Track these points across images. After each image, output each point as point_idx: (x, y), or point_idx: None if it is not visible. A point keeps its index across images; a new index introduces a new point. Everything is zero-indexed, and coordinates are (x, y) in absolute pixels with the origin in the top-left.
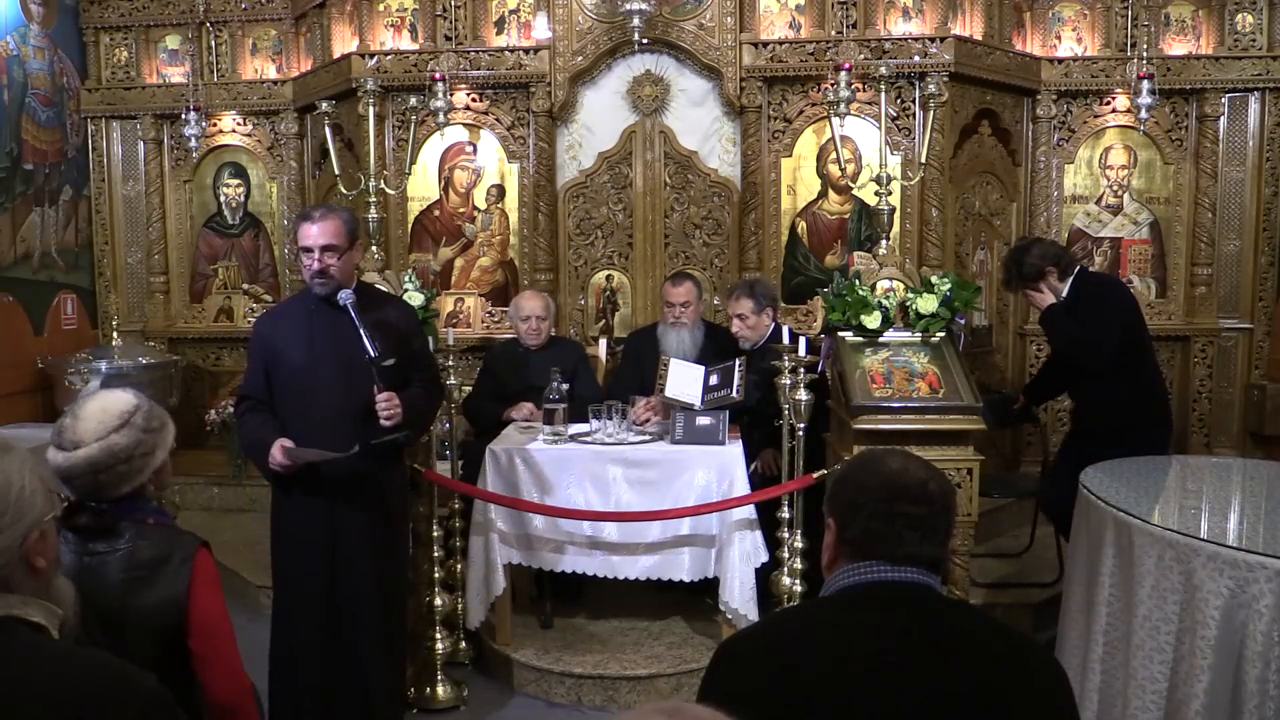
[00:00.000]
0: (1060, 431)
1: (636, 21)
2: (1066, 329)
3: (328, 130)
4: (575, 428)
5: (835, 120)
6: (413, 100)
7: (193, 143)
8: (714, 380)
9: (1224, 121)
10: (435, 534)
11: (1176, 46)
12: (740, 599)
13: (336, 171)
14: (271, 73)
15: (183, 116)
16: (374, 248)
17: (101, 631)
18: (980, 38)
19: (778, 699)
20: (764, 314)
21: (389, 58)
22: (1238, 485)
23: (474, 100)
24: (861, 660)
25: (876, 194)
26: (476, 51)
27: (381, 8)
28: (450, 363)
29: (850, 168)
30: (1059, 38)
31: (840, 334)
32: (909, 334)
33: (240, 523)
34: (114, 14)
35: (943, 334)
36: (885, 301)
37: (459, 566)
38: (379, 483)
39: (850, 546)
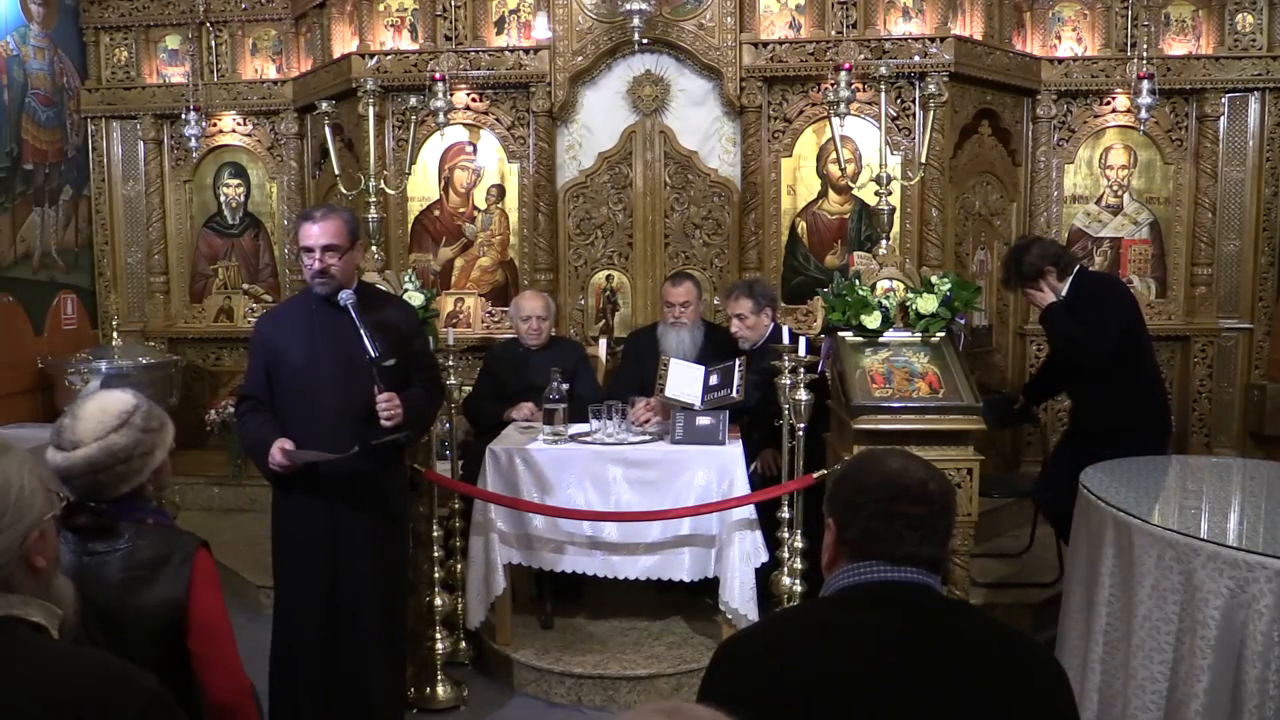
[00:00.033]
0: (1060, 431)
1: (636, 21)
2: (1066, 328)
3: (328, 130)
4: (575, 428)
5: (835, 120)
6: (413, 100)
7: (193, 143)
8: (714, 380)
9: (1224, 121)
10: (435, 534)
11: (1176, 46)
12: (740, 599)
13: (336, 171)
14: (271, 73)
15: (183, 116)
16: (374, 248)
17: (101, 631)
18: (980, 38)
19: (778, 699)
20: (763, 314)
21: (389, 58)
22: (1238, 485)
23: (474, 100)
24: (861, 660)
25: (876, 194)
26: (476, 51)
27: (381, 8)
28: (450, 363)
29: (850, 168)
30: (1059, 38)
31: (840, 334)
32: (909, 334)
33: (240, 523)
34: (114, 14)
35: (943, 334)
36: (885, 301)
37: (459, 566)
38: (379, 483)
39: (850, 546)
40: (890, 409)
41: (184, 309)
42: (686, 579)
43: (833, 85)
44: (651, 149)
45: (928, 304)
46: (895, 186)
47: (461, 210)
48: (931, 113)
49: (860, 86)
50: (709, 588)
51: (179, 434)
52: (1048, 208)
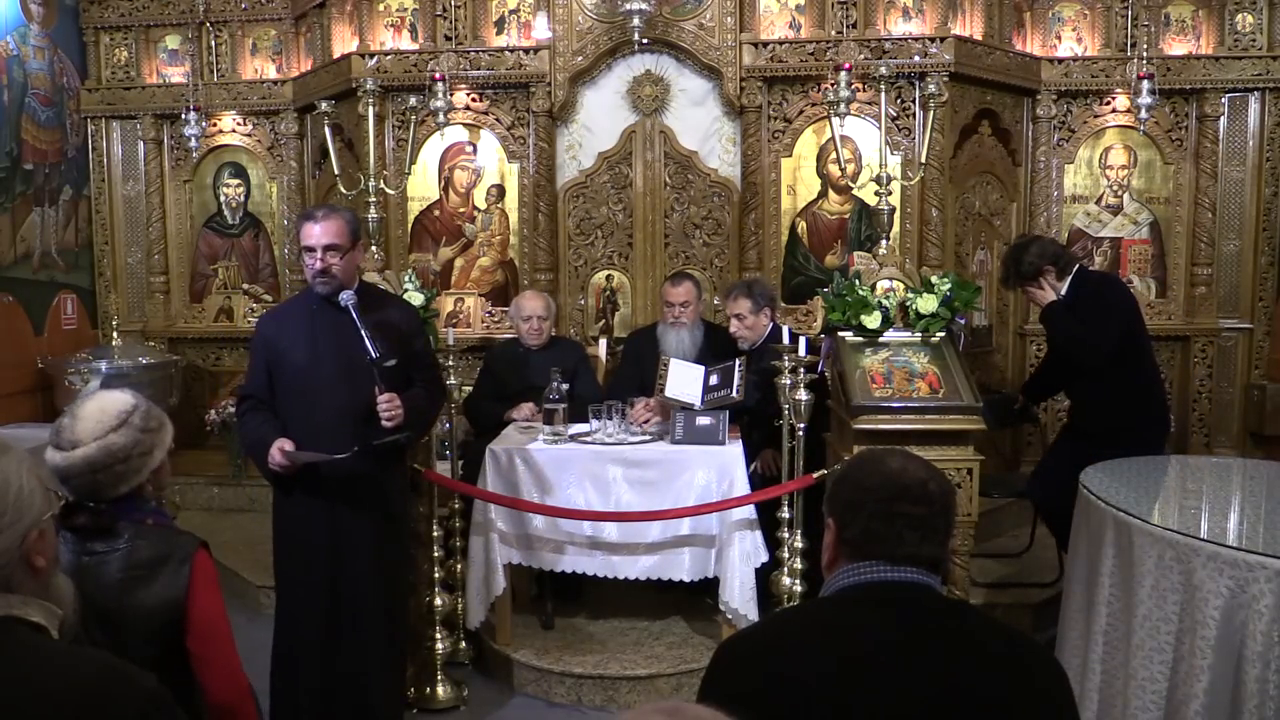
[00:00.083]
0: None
1: (636, 21)
2: (1067, 326)
3: (328, 130)
4: (575, 428)
5: (835, 120)
6: (413, 100)
7: (193, 143)
8: (714, 380)
9: (1224, 121)
10: (435, 534)
11: (1176, 46)
12: (740, 599)
13: (336, 171)
14: (271, 73)
15: (183, 116)
16: (374, 248)
17: (100, 631)
18: (980, 38)
19: (777, 699)
20: (762, 314)
21: (389, 58)
22: (1238, 485)
23: (474, 100)
24: (861, 660)
25: (876, 194)
26: (476, 51)
27: (381, 8)
28: (450, 363)
29: (850, 168)
30: (1059, 38)
31: (840, 334)
32: (909, 334)
33: (240, 523)
34: (114, 14)
35: (943, 334)
36: (885, 301)
37: (459, 566)
38: (380, 483)
39: (850, 546)
40: (890, 409)
41: (184, 309)
42: (686, 579)
43: (833, 85)
44: (651, 149)
45: (928, 304)
46: (895, 186)
47: (461, 210)
48: (931, 113)
49: (860, 86)
50: (709, 588)
51: (179, 434)
52: (1048, 208)
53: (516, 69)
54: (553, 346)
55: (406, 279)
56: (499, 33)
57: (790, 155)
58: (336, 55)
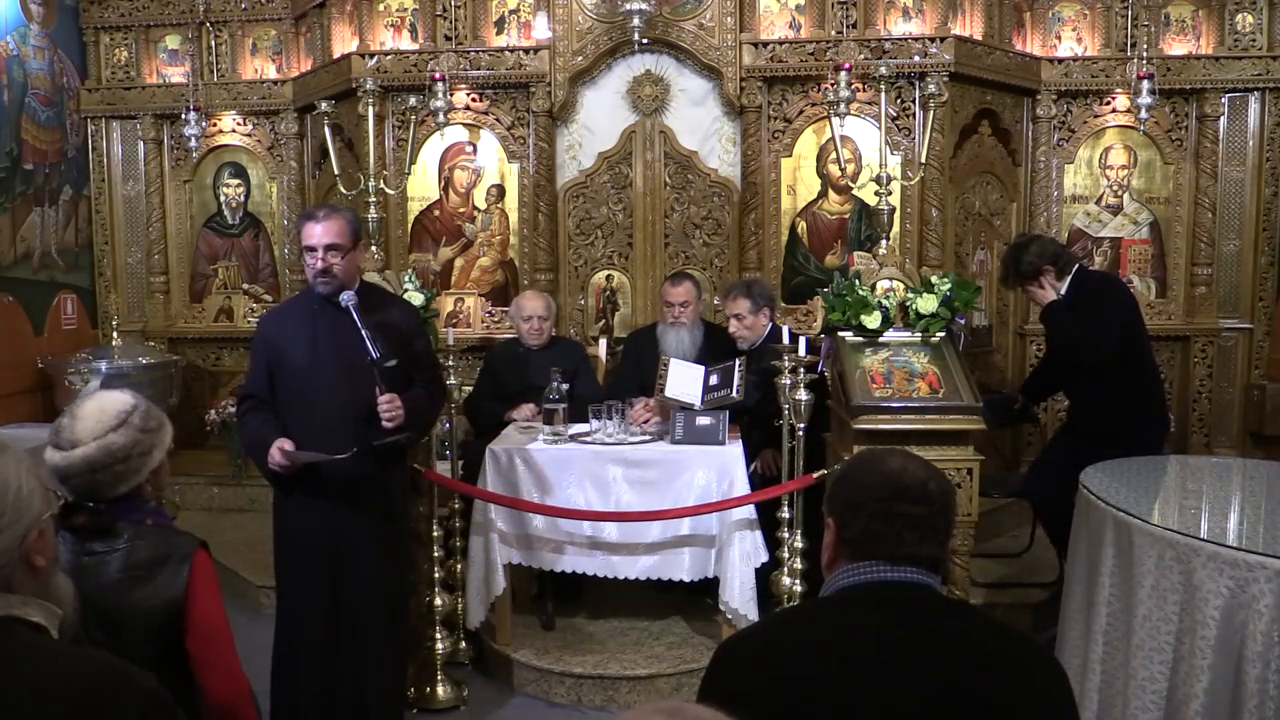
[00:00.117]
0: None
1: (636, 21)
2: (1067, 325)
3: (327, 130)
4: (575, 428)
5: (835, 120)
6: (413, 100)
7: (193, 143)
8: (714, 380)
9: (1224, 121)
10: (435, 534)
11: (1176, 46)
12: (740, 599)
13: (336, 171)
14: (271, 73)
15: (183, 116)
16: (374, 248)
17: (99, 631)
18: (980, 38)
19: (778, 699)
20: (761, 314)
21: (389, 58)
22: (1238, 485)
23: (474, 100)
24: (861, 660)
25: (876, 194)
26: (476, 51)
27: (381, 8)
28: (450, 363)
29: (850, 168)
30: (1059, 38)
31: (840, 334)
32: (909, 334)
33: (240, 523)
34: (114, 14)
35: (943, 334)
36: (885, 301)
37: (459, 566)
38: (380, 484)
39: (850, 546)
40: (890, 409)
41: (184, 309)
42: (686, 579)
43: (833, 85)
44: (651, 149)
45: (928, 304)
46: (895, 186)
47: (461, 210)
48: (931, 113)
49: (860, 86)
50: (709, 588)
51: (179, 434)
52: (1048, 208)
53: (516, 69)
54: (553, 346)
55: (406, 279)
56: (499, 33)
57: (790, 155)
58: (336, 55)
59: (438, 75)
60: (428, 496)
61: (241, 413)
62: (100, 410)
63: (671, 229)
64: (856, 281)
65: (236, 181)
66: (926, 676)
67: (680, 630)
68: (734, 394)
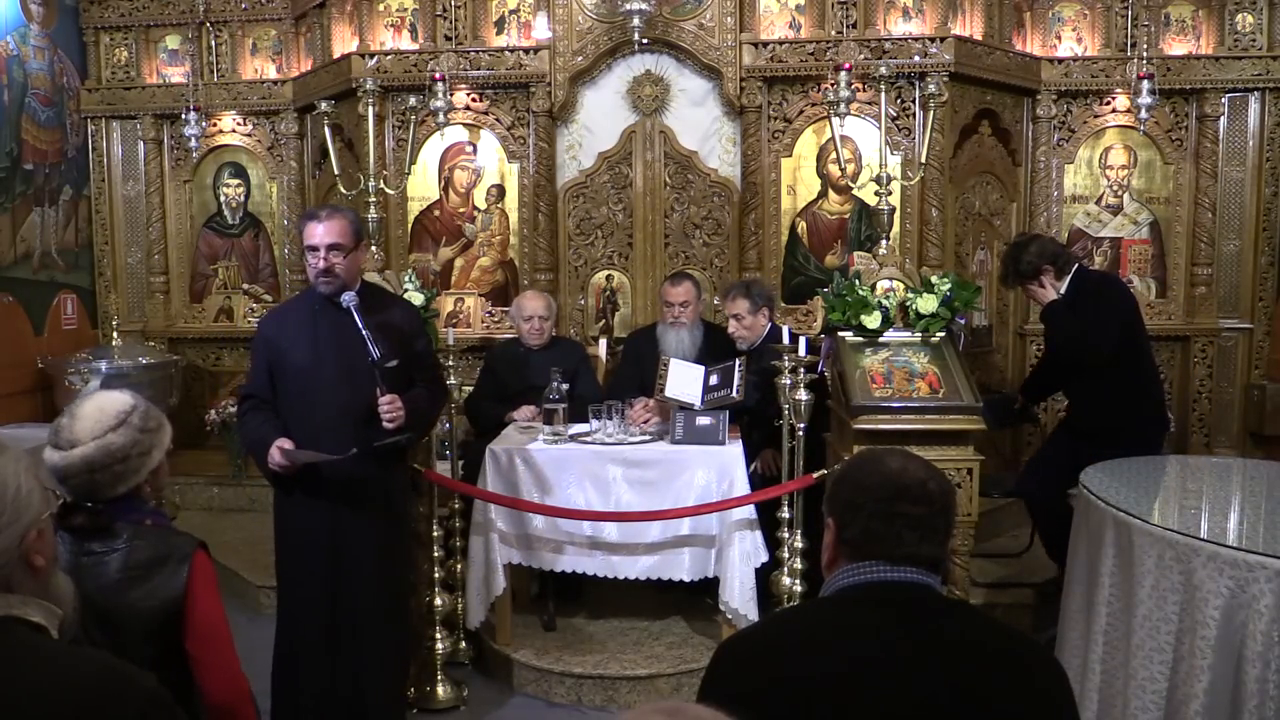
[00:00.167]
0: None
1: (636, 21)
2: (1067, 325)
3: (327, 130)
4: (575, 428)
5: (835, 120)
6: (413, 100)
7: (193, 143)
8: (714, 380)
9: (1224, 121)
10: (435, 534)
11: (1176, 46)
12: (740, 599)
13: (336, 171)
14: (271, 73)
15: (183, 116)
16: (374, 248)
17: (98, 631)
18: (980, 38)
19: (778, 699)
20: (760, 314)
21: (389, 58)
22: (1238, 485)
23: (474, 100)
24: (861, 660)
25: (876, 194)
26: (476, 51)
27: (381, 8)
28: (450, 363)
29: (850, 168)
30: (1059, 38)
31: (840, 334)
32: (909, 334)
33: (240, 523)
34: (114, 14)
35: (943, 334)
36: (885, 301)
37: (459, 566)
38: (381, 484)
39: (850, 546)
40: (890, 409)
41: (184, 309)
42: (686, 579)
43: (833, 85)
44: (651, 149)
45: (928, 304)
46: (895, 186)
47: (461, 210)
48: (931, 113)
49: (860, 86)
50: (709, 588)
51: (179, 434)
52: (1048, 208)
53: (516, 69)
54: (553, 346)
55: (406, 279)
56: (499, 33)
57: (790, 155)
58: (336, 55)
59: (438, 75)
60: (428, 496)
61: (242, 412)
62: (99, 410)
63: (671, 229)
64: (856, 281)
65: (236, 181)
66: (926, 676)
67: (680, 630)
68: (734, 394)
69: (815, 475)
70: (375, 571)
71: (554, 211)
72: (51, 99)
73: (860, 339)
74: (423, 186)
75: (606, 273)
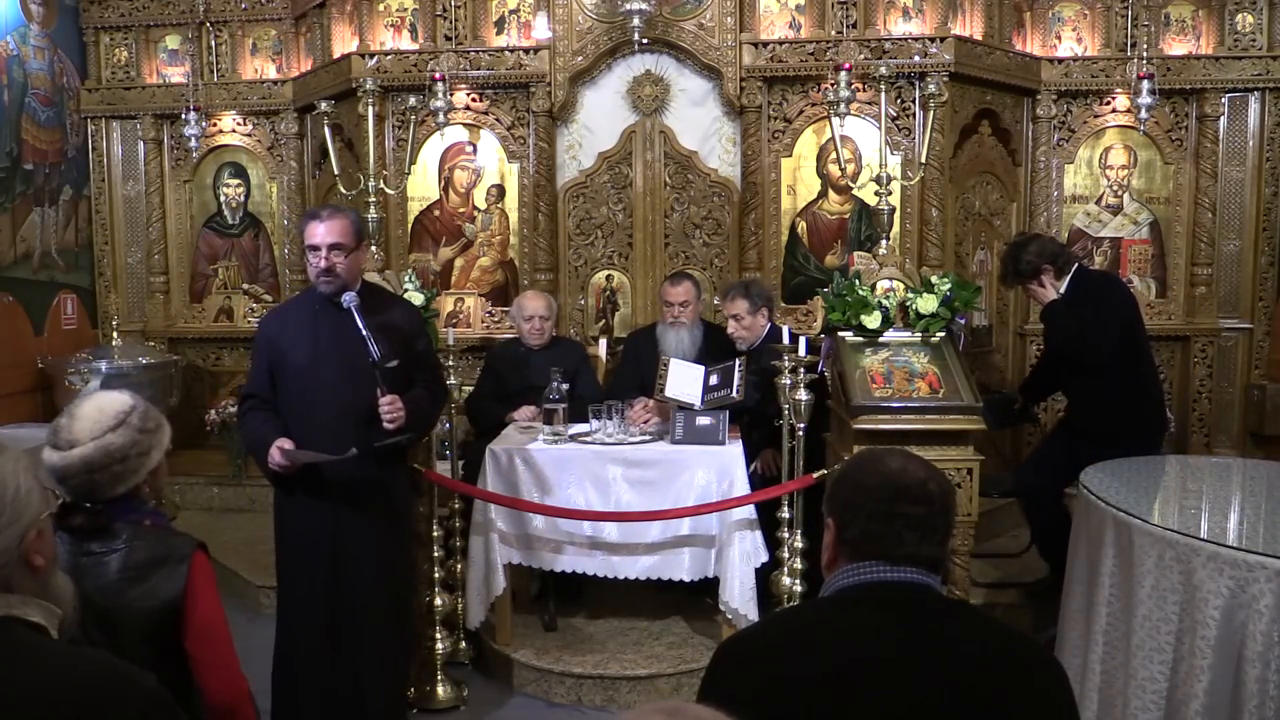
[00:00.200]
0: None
1: (636, 21)
2: (1067, 325)
3: (327, 130)
4: (575, 428)
5: (835, 120)
6: (413, 100)
7: (193, 143)
8: (714, 380)
9: (1224, 121)
10: (435, 534)
11: (1176, 46)
12: (740, 599)
13: (336, 171)
14: (271, 73)
15: (183, 116)
16: (374, 248)
17: (98, 631)
18: (980, 38)
19: (778, 699)
20: (759, 314)
21: (389, 58)
22: (1238, 485)
23: (474, 100)
24: (861, 660)
25: (876, 194)
26: (476, 51)
27: (381, 8)
28: (450, 363)
29: (850, 168)
30: (1059, 38)
31: (840, 334)
32: (909, 334)
33: (240, 523)
34: (114, 14)
35: (943, 334)
36: (885, 301)
37: (459, 566)
38: (382, 485)
39: (850, 546)
40: (890, 409)
41: (184, 309)
42: (686, 579)
43: (833, 85)
44: (651, 149)
45: (928, 304)
46: (895, 186)
47: (461, 210)
48: (931, 113)
49: (860, 86)
50: (709, 588)
51: (179, 434)
52: (1048, 208)
53: (516, 69)
54: (554, 346)
55: (406, 279)
56: (499, 33)
57: (790, 155)
58: (336, 55)
59: (438, 75)
60: (428, 496)
61: (242, 412)
62: (98, 410)
63: (671, 229)
64: (856, 281)
65: (236, 181)
66: (926, 677)
67: (680, 630)
68: (734, 394)
69: (815, 475)
70: (376, 572)
71: (554, 211)
72: (51, 99)
73: (860, 339)
74: (423, 186)
75: (606, 273)
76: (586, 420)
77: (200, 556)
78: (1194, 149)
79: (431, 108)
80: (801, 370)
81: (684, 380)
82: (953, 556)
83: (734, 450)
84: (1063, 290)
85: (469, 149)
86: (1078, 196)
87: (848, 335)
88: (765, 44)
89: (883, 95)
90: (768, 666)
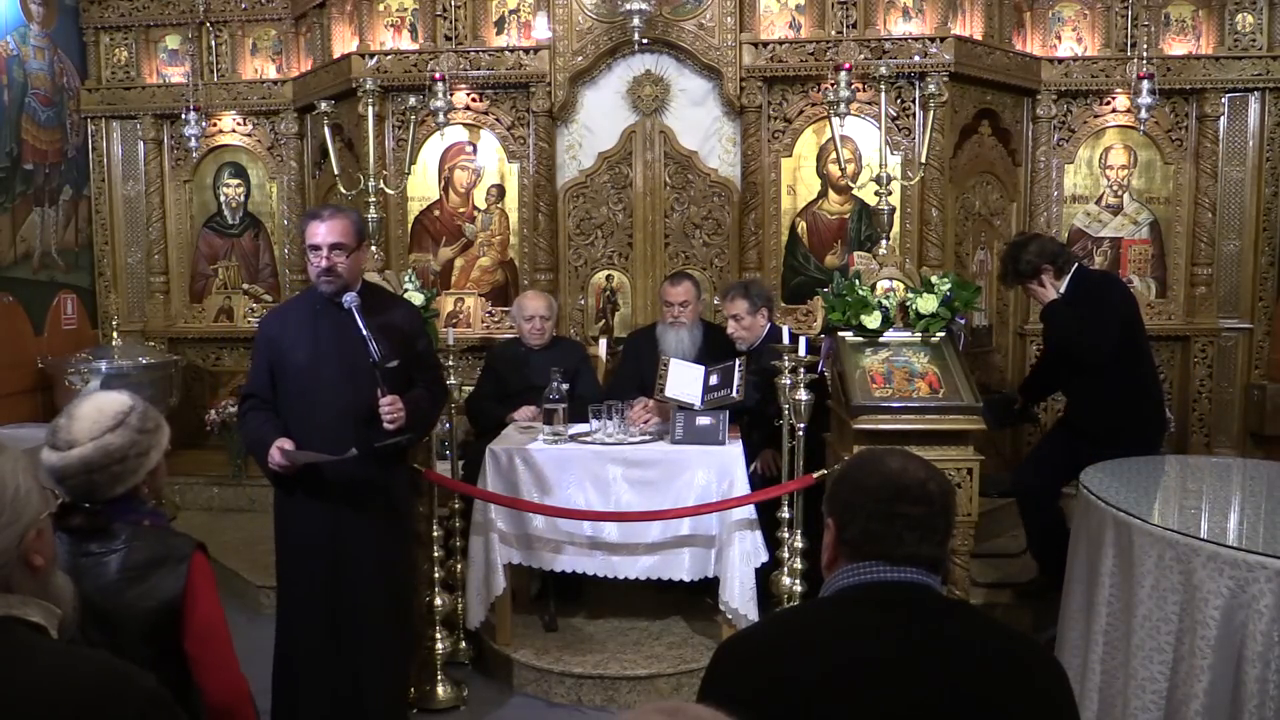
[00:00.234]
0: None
1: (636, 21)
2: (1067, 324)
3: (327, 130)
4: (575, 428)
5: (835, 120)
6: (413, 100)
7: (193, 143)
8: (714, 380)
9: (1224, 121)
10: (435, 534)
11: (1176, 46)
12: (740, 599)
13: (336, 171)
14: (271, 73)
15: (183, 116)
16: (374, 248)
17: (97, 631)
18: (980, 38)
19: (778, 699)
20: (759, 314)
21: (389, 58)
22: (1238, 485)
23: (474, 100)
24: (861, 660)
25: (876, 194)
26: (476, 51)
27: (381, 8)
28: (450, 363)
29: (850, 168)
30: (1059, 38)
31: (840, 334)
32: (909, 334)
33: (240, 523)
34: (114, 14)
35: (943, 334)
36: (885, 301)
37: (459, 566)
38: (382, 485)
39: (850, 547)
40: (890, 409)
41: (184, 309)
42: (686, 579)
43: (833, 85)
44: (651, 149)
45: (928, 304)
46: (895, 186)
47: (461, 210)
48: (931, 113)
49: (860, 86)
50: (709, 588)
51: (179, 434)
52: (1048, 208)
53: (516, 69)
54: (554, 346)
55: (406, 279)
56: (499, 33)
57: (790, 155)
58: (336, 55)
59: (438, 75)
60: (428, 496)
61: (242, 412)
62: (97, 411)
63: (671, 229)
64: (856, 281)
65: (236, 181)
66: (926, 677)
67: (680, 630)
68: (734, 394)
69: (815, 475)
70: (376, 572)
71: (554, 211)
72: (51, 99)
73: (860, 339)
74: (423, 186)
75: (606, 273)
76: (586, 420)
77: (199, 557)
78: (1194, 149)
79: (431, 108)
80: (801, 370)
81: (684, 380)
82: (953, 556)
83: (734, 450)
84: (1063, 290)
85: (469, 149)
86: (1078, 196)
87: (848, 335)
88: (765, 44)
89: (883, 95)
90: (768, 666)
